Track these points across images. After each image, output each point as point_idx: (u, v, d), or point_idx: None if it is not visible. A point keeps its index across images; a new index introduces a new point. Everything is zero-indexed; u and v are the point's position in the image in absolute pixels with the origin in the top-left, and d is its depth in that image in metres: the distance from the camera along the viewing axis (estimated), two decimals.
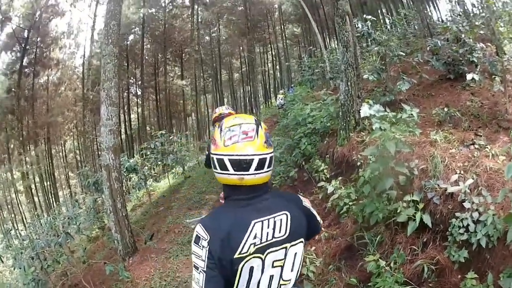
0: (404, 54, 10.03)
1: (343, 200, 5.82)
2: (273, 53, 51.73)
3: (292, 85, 30.29)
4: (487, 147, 5.08)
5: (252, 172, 1.95)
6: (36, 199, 32.07)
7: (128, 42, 36.07)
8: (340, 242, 5.64)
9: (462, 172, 4.48)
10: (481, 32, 9.74)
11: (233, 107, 54.95)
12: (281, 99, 21.83)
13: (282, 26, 45.80)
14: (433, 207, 4.40)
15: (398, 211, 4.42)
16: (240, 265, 1.88)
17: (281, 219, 2.00)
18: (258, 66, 46.01)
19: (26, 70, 31.04)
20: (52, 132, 34.20)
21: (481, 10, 13.42)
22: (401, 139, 4.82)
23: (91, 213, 10.81)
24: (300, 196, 2.28)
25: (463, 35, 9.55)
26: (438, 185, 4.44)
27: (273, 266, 2.00)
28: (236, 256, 1.87)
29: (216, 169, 2.01)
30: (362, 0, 26.23)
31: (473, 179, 4.27)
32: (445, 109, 7.56)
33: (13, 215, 32.73)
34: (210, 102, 45.63)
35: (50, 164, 34.10)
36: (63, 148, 38.47)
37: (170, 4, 37.29)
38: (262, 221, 1.94)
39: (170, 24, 37.43)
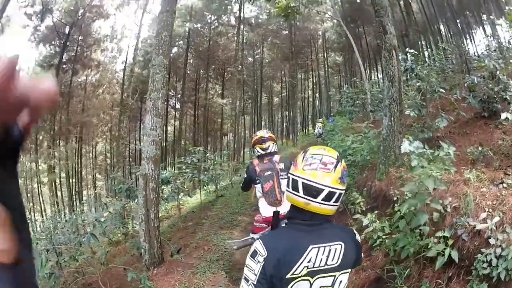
0: (444, 91, 10.06)
1: (377, 233, 5.87)
2: (314, 81, 51.66)
3: (332, 114, 30.33)
4: None
5: (319, 201, 2.08)
6: (59, 193, 32.32)
7: (172, 55, 36.11)
8: (370, 274, 5.76)
9: (490, 210, 4.58)
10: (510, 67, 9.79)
11: (271, 131, 55.20)
12: (320, 128, 21.85)
13: (325, 54, 45.74)
14: (461, 244, 4.50)
15: (429, 246, 4.55)
16: (290, 285, 2.03)
17: (335, 249, 2.14)
18: (299, 92, 46.11)
19: (64, 66, 31.24)
20: (85, 132, 34.44)
21: None
22: (438, 177, 4.93)
23: (118, 218, 10.77)
24: (354, 230, 2.42)
25: (498, 72, 9.54)
26: (468, 222, 4.54)
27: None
28: (288, 276, 2.02)
29: (289, 187, 2.18)
30: (404, 32, 26.23)
31: (499, 216, 4.37)
32: (479, 148, 7.60)
33: (31, 204, 32.77)
34: (248, 123, 45.89)
35: (79, 162, 34.39)
36: (93, 149, 38.74)
37: (216, 21, 37.46)
38: (318, 247, 2.09)
39: (215, 41, 37.63)
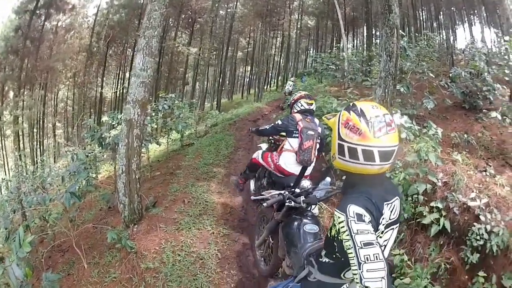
0: (433, 76, 10.50)
1: None
2: (282, 40, 51.64)
3: (305, 73, 30.61)
4: (496, 177, 5.56)
5: (390, 162, 2.10)
6: (21, 145, 31.25)
7: (143, 1, 35.26)
8: None
9: (477, 191, 4.95)
10: (495, 71, 10.41)
11: (232, 84, 55.22)
12: (290, 86, 21.96)
13: (300, 16, 45.38)
14: (452, 216, 4.85)
15: (424, 214, 4.88)
16: None
17: (394, 204, 2.21)
18: (265, 50, 46.00)
19: (38, 11, 30.23)
20: (50, 78, 33.65)
21: (497, 48, 14.26)
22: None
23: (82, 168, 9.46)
24: None
25: (486, 74, 10.13)
26: (458, 198, 4.89)
27: (381, 245, 2.17)
28: (376, 234, 2.02)
29: (358, 159, 2.09)
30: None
31: (486, 199, 4.77)
32: (465, 135, 8.09)
33: None
34: (211, 74, 45.70)
35: (42, 111, 33.66)
36: (55, 97, 37.93)
37: None
38: (388, 204, 2.15)
39: None
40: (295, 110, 5.90)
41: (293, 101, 6.08)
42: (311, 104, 5.90)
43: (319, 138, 5.71)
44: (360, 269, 1.86)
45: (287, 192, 3.86)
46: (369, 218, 1.99)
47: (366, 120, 2.09)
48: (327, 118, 2.38)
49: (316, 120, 5.86)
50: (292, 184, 4.78)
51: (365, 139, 2.05)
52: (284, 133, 5.74)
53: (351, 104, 2.27)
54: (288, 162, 5.59)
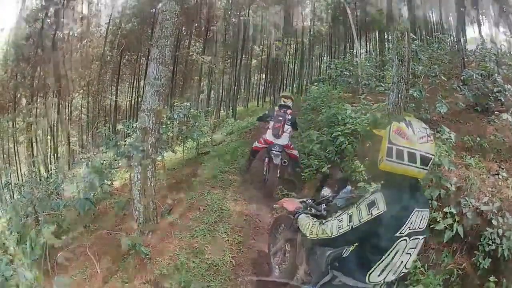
0: (445, 79, 10.44)
1: None
2: (296, 47, 51.50)
3: (321, 80, 30.59)
4: (509, 180, 5.53)
5: (427, 168, 2.47)
6: (35, 152, 30.72)
7: (155, 10, 35.26)
8: None
9: (490, 195, 4.95)
10: (505, 71, 10.44)
11: (248, 92, 55.49)
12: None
13: (312, 22, 45.35)
14: (465, 221, 4.84)
15: (437, 220, 4.88)
16: (395, 243, 2.45)
17: (424, 214, 2.56)
18: (279, 57, 45.90)
19: (48, 20, 28.94)
20: (63, 86, 33.50)
21: (506, 48, 14.09)
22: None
23: (97, 175, 9.40)
24: None
25: (496, 75, 10.06)
26: (471, 203, 4.89)
27: (406, 253, 2.52)
28: (397, 234, 2.43)
29: (403, 160, 2.45)
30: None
31: (499, 202, 4.77)
32: (477, 139, 8.00)
33: (7, 165, 32.25)
34: (226, 82, 45.68)
35: (56, 118, 33.42)
36: (69, 105, 37.96)
37: None
38: (418, 211, 2.50)
39: None
40: (277, 106, 9.17)
41: (279, 97, 9.50)
42: (287, 101, 8.94)
43: (288, 121, 8.60)
44: (332, 220, 2.68)
45: (310, 200, 4.01)
46: (378, 210, 2.40)
47: (413, 129, 2.49)
48: (378, 130, 2.82)
49: (289, 111, 8.75)
50: (273, 149, 8.24)
51: (410, 143, 2.45)
52: (268, 119, 8.79)
53: (402, 118, 2.66)
54: (269, 135, 8.61)
